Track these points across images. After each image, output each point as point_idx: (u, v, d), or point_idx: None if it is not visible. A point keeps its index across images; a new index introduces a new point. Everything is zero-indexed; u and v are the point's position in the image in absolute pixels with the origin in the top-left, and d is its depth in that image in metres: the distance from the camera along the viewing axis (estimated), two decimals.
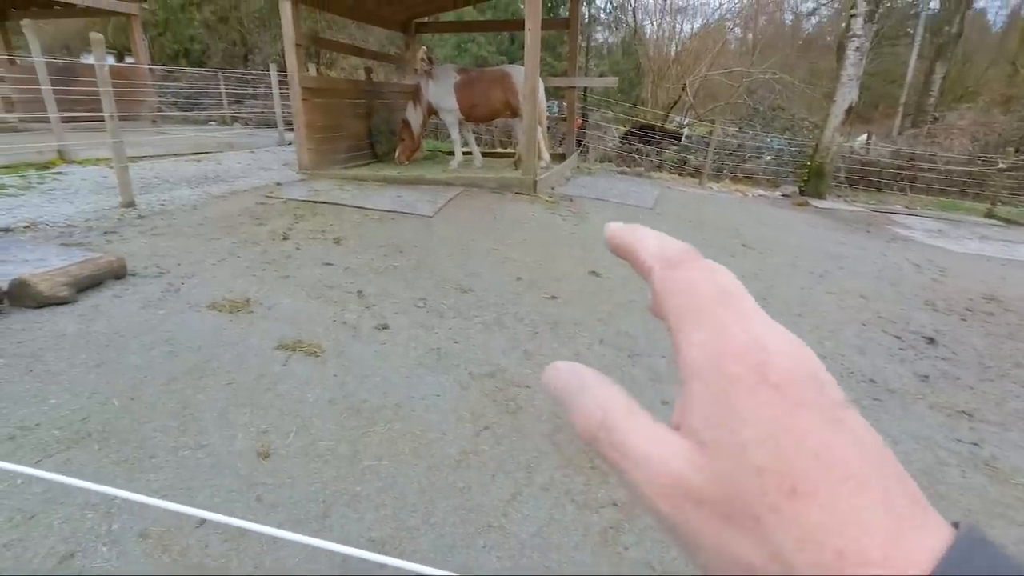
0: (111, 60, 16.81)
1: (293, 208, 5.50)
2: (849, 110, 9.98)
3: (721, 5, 19.18)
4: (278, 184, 6.42)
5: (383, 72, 13.49)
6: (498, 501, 2.15)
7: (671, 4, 19.24)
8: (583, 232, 5.94)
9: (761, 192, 10.89)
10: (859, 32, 9.53)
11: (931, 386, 3.42)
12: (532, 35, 6.13)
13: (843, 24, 10.30)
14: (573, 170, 9.54)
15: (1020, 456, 2.76)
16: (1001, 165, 10.62)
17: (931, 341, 4.07)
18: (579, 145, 11.58)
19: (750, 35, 22.75)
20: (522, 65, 6.64)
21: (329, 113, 7.33)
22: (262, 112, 14.68)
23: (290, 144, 9.73)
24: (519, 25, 6.81)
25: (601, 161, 13.02)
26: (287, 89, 6.93)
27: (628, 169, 11.82)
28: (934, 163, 12.13)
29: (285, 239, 4.63)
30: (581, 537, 2.02)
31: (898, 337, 4.10)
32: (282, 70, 8.68)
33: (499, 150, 11.42)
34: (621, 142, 13.70)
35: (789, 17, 25.78)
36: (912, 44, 19.41)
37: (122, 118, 5.18)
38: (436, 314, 3.66)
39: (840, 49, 9.99)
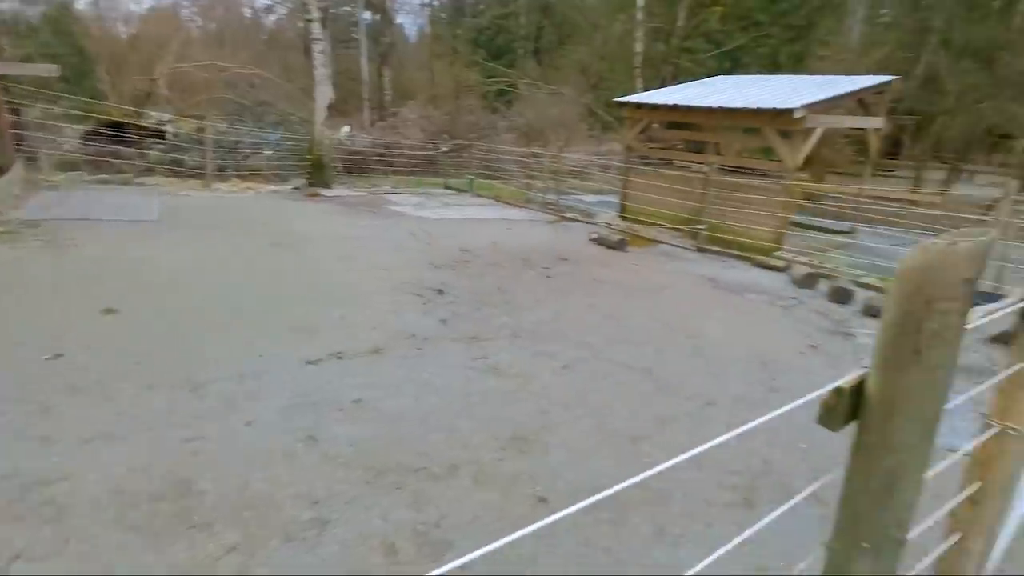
0: None
1: None
2: (330, 106, 11.12)
3: None
4: None
5: None
6: None
7: None
8: (79, 263, 4.74)
9: (273, 188, 11.04)
10: (319, 36, 10.60)
11: (449, 326, 4.47)
12: None
13: (301, 25, 11.21)
14: (24, 186, 7.28)
15: (507, 356, 4.00)
16: (443, 148, 14.14)
17: (440, 292, 5.26)
18: (20, 151, 8.80)
19: (214, 25, 21.82)
20: None
21: None
22: None
23: None
24: None
25: (63, 170, 10.31)
26: None
27: (109, 176, 9.83)
28: (401, 149, 15.00)
29: None
30: None
31: (419, 295, 5.11)
32: None
33: None
34: (85, 143, 11.16)
35: (248, 11, 25.95)
36: (360, 48, 22.96)
37: None
38: None
39: (308, 50, 10.89)
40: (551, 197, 11.54)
